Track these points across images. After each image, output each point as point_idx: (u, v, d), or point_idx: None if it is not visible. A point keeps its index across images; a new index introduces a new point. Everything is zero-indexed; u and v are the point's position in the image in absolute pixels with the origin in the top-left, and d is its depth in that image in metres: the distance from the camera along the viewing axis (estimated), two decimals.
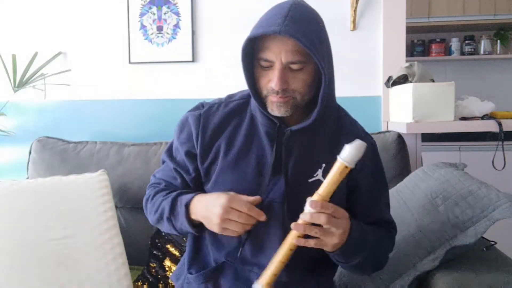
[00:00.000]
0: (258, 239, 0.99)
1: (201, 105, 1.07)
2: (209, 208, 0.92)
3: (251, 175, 0.99)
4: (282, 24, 0.86)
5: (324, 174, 0.96)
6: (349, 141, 0.89)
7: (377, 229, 1.04)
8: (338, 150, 0.90)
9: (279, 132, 0.98)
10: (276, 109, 0.94)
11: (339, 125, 1.04)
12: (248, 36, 0.90)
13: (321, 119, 0.96)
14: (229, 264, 1.02)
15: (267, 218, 0.92)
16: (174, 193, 1.01)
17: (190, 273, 1.07)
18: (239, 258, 1.00)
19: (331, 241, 0.87)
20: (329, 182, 0.86)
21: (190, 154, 1.04)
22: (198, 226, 0.98)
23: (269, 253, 0.95)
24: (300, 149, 1.00)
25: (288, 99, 0.93)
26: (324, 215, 0.85)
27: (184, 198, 0.98)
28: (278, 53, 0.89)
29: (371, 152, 1.03)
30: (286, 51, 0.89)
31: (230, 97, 1.08)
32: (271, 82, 0.92)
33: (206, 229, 0.97)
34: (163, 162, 1.11)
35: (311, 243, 0.86)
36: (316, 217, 0.85)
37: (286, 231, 0.94)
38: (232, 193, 0.92)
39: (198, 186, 1.06)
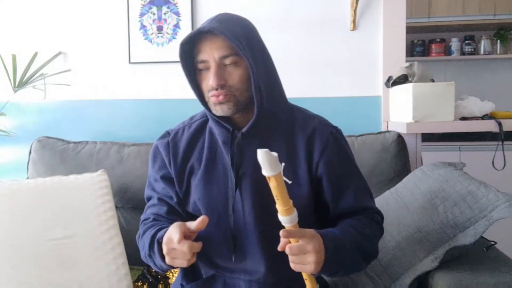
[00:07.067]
0: (246, 248, 1.03)
1: (167, 133, 1.12)
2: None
3: (222, 187, 1.03)
4: (208, 24, 0.95)
5: (285, 173, 0.98)
6: (303, 136, 0.99)
7: (355, 222, 1.02)
8: (294, 148, 1.00)
9: (232, 137, 1.02)
10: (218, 108, 0.99)
11: (291, 123, 1.06)
12: (181, 42, 0.97)
13: (271, 120, 1.00)
14: (219, 275, 1.06)
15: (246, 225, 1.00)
16: (155, 229, 1.00)
17: (182, 285, 1.10)
18: (227, 268, 1.05)
19: (307, 268, 0.88)
20: (276, 195, 0.86)
21: (167, 179, 1.08)
22: None
23: (253, 258, 1.02)
24: (255, 153, 1.02)
25: (228, 96, 0.97)
26: (290, 254, 0.86)
27: (160, 234, 0.97)
28: (210, 52, 0.96)
29: (331, 141, 1.04)
30: (216, 48, 0.95)
31: (191, 118, 1.13)
32: (209, 80, 0.97)
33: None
34: (148, 199, 1.13)
35: (291, 266, 0.88)
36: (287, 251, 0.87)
37: (261, 234, 1.01)
38: (173, 231, 0.89)
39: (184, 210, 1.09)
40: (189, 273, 1.11)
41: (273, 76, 1.03)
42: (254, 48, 0.96)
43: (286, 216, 0.87)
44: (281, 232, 0.85)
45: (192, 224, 0.91)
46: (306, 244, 0.86)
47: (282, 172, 0.85)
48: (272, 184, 0.85)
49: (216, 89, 0.96)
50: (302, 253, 0.86)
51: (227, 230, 1.02)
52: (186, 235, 0.89)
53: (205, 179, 1.04)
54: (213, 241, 1.04)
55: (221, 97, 0.97)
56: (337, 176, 1.04)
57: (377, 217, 1.08)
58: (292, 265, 0.88)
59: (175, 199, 1.08)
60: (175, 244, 0.88)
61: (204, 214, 1.03)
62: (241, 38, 0.94)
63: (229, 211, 1.02)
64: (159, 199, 1.09)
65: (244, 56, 0.94)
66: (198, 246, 0.89)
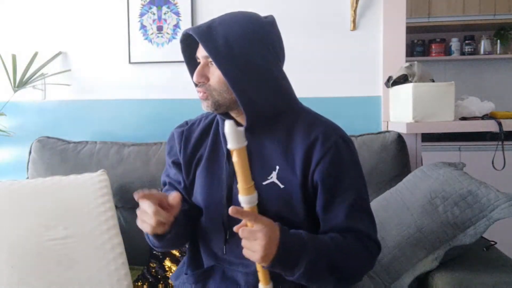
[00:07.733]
0: (239, 240, 1.02)
1: (186, 122, 1.16)
2: None
3: (219, 177, 1.04)
4: (196, 27, 0.97)
5: (278, 177, 0.99)
6: (304, 143, 0.97)
7: (339, 236, 0.94)
8: (291, 153, 0.97)
9: None
10: (202, 103, 1.02)
11: (293, 127, 1.01)
12: (180, 39, 1.03)
13: (269, 121, 0.99)
14: (218, 266, 1.07)
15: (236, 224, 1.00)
16: None
17: (186, 274, 1.13)
18: (226, 260, 1.05)
19: (254, 256, 0.85)
20: (237, 171, 0.86)
21: (177, 165, 1.12)
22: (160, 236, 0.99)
23: None
24: (252, 153, 1.00)
25: (206, 94, 0.99)
26: (241, 237, 0.85)
27: None
28: (200, 49, 0.99)
29: (332, 150, 0.97)
30: (201, 47, 0.98)
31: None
32: None
33: (173, 239, 1.01)
34: (164, 184, 1.18)
35: (243, 251, 0.87)
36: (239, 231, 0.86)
37: None
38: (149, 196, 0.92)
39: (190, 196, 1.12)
40: (193, 263, 1.13)
41: (262, 81, 0.97)
42: (234, 55, 0.94)
43: (244, 196, 0.85)
44: (230, 209, 0.83)
45: (169, 197, 0.94)
46: (258, 231, 0.83)
47: (245, 148, 0.85)
48: (234, 159, 0.85)
49: (198, 86, 1.00)
50: (252, 238, 0.84)
51: (221, 220, 1.04)
52: (163, 205, 0.92)
53: (207, 169, 1.06)
54: (211, 232, 1.07)
55: (201, 94, 1.00)
56: (330, 188, 0.97)
57: (368, 243, 0.97)
58: (243, 250, 0.86)
59: (182, 184, 1.11)
60: (147, 206, 0.90)
61: (203, 203, 1.06)
62: (219, 45, 0.94)
63: (222, 202, 1.02)
64: (170, 183, 1.14)
65: (215, 63, 0.95)
66: (164, 214, 0.90)
